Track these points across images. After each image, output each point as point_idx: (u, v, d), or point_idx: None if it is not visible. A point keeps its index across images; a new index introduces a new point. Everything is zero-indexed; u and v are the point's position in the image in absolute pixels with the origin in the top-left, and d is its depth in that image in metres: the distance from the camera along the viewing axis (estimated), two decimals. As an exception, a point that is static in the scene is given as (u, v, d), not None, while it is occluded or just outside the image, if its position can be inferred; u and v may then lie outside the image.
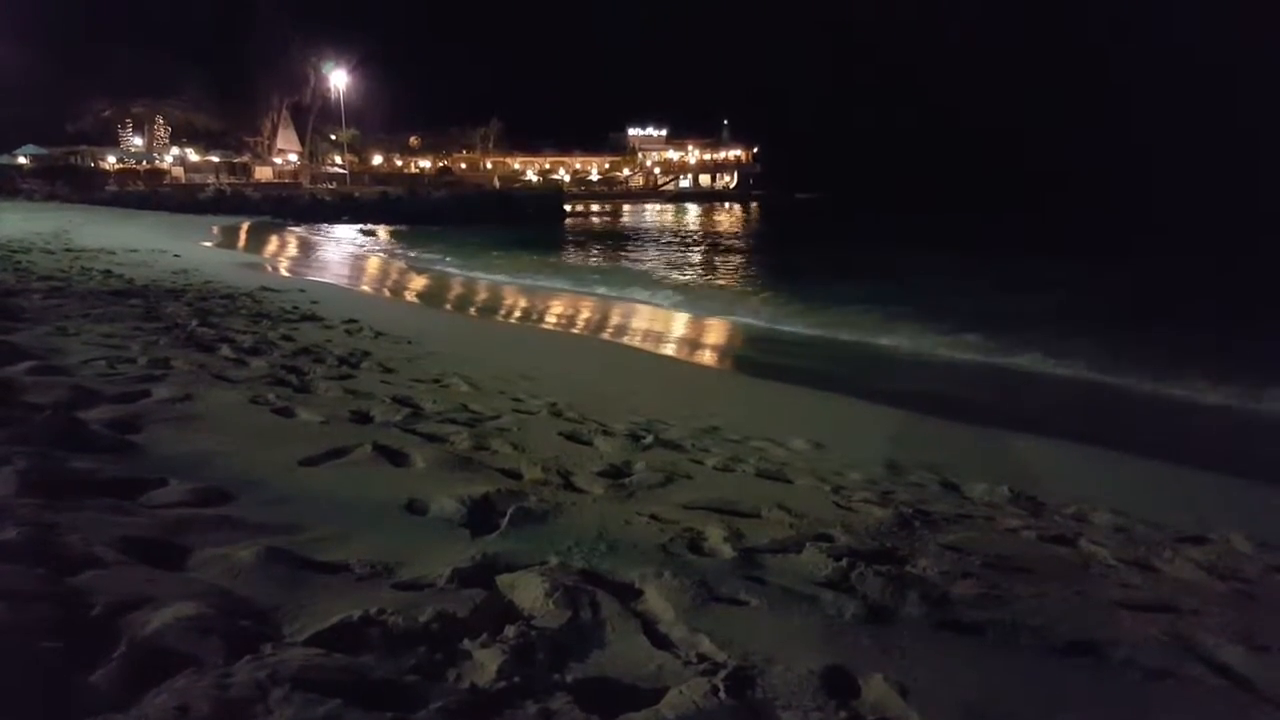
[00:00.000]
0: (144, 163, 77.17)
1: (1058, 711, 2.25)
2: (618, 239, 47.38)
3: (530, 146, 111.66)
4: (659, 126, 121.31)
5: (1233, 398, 9.78)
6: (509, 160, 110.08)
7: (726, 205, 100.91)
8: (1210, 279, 25.98)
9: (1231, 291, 22.63)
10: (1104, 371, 11.21)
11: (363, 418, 4.81)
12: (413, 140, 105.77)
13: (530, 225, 51.59)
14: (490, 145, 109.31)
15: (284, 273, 20.89)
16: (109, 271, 13.57)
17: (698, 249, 40.53)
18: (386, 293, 19.97)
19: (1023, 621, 2.81)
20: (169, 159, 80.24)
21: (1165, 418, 9.53)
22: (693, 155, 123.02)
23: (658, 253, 37.70)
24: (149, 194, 57.80)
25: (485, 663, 2.04)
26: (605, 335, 14.83)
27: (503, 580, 2.59)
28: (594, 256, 34.62)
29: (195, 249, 24.09)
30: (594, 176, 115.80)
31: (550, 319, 16.60)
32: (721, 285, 24.72)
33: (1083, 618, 2.93)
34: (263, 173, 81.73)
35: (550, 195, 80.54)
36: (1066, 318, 16.15)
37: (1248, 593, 3.68)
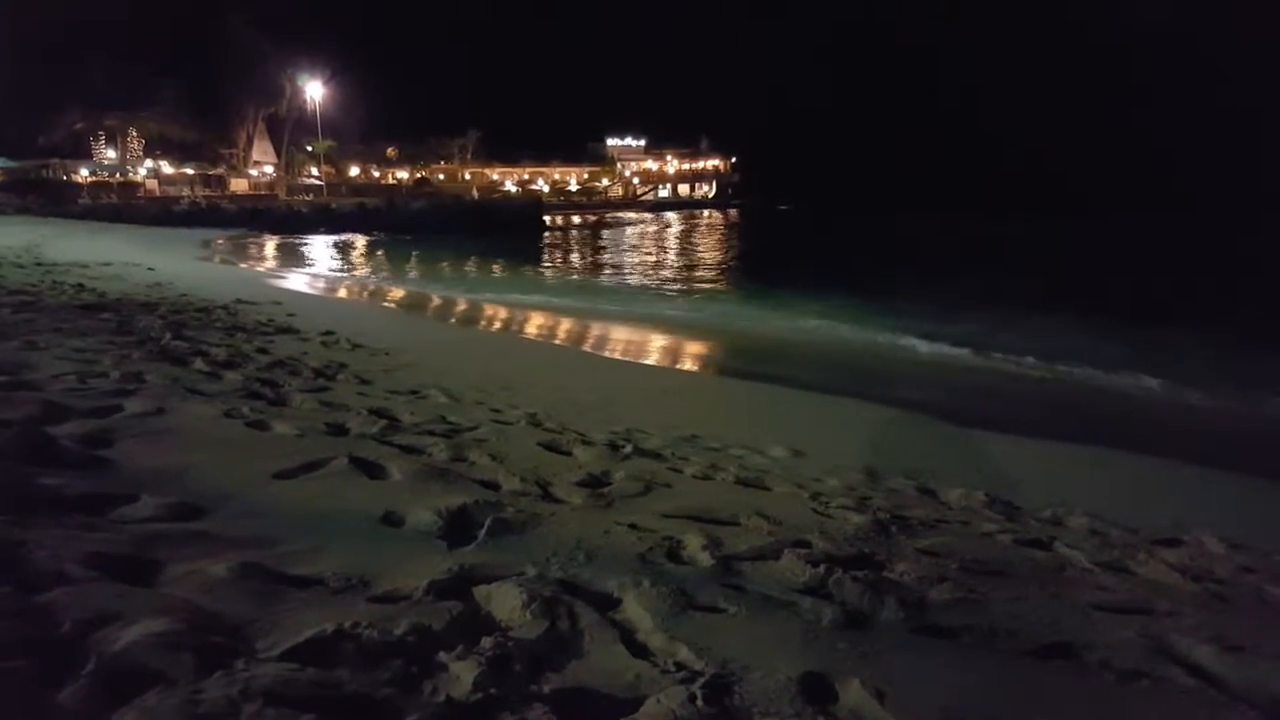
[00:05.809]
0: (117, 175, 76.10)
1: (1034, 714, 2.26)
2: (600, 249, 47.54)
3: (509, 157, 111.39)
4: (637, 137, 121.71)
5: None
6: (487, 171, 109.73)
7: (706, 213, 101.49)
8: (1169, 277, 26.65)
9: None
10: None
11: (339, 430, 4.77)
12: (390, 151, 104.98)
13: (508, 237, 51.49)
14: (468, 156, 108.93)
15: (260, 285, 20.71)
16: (81, 285, 13.40)
17: (680, 257, 40.71)
18: (363, 304, 19.86)
19: (999, 625, 2.83)
20: (143, 171, 79.15)
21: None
22: (671, 165, 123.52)
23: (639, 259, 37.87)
24: (123, 207, 57.04)
25: (461, 675, 2.03)
26: (585, 345, 14.82)
27: (480, 592, 2.57)
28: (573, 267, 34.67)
29: (170, 262, 23.83)
30: (573, 186, 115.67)
31: (529, 329, 16.57)
32: (701, 290, 24.88)
33: (1058, 620, 2.96)
34: (238, 185, 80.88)
35: (529, 206, 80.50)
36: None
37: (1220, 594, 3.73)
